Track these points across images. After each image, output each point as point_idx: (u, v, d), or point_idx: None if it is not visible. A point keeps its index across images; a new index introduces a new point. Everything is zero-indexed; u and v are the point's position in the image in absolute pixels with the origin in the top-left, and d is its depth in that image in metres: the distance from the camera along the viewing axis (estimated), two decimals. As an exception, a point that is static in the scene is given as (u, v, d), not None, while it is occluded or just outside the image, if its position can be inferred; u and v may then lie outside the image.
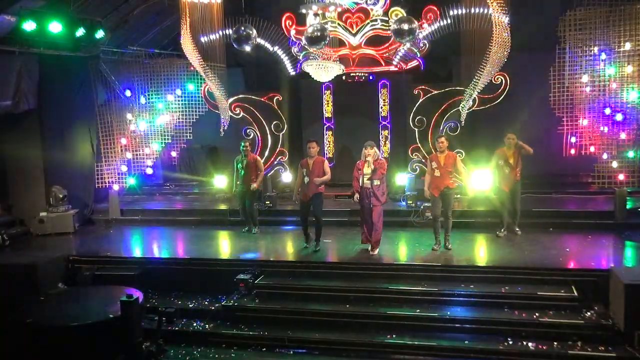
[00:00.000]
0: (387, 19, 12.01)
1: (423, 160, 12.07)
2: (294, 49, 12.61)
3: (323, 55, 11.82)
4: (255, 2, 13.26)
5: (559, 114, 10.73)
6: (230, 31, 10.98)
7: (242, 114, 13.39)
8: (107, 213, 12.86)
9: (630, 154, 10.33)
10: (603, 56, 10.29)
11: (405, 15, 11.35)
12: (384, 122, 13.62)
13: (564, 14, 10.43)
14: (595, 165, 10.60)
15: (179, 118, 13.01)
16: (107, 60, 12.53)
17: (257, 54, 12.60)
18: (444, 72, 13.29)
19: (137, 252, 10.98)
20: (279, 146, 13.44)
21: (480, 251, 9.86)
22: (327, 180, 9.67)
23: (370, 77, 12.73)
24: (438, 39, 11.81)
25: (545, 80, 10.76)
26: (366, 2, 12.17)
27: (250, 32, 10.75)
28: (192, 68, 12.53)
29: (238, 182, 11.15)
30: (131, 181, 12.96)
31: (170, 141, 13.05)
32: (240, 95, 13.50)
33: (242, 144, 11.18)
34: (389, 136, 13.63)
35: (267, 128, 13.39)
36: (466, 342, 7.55)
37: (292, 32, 12.57)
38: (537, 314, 7.66)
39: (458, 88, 11.95)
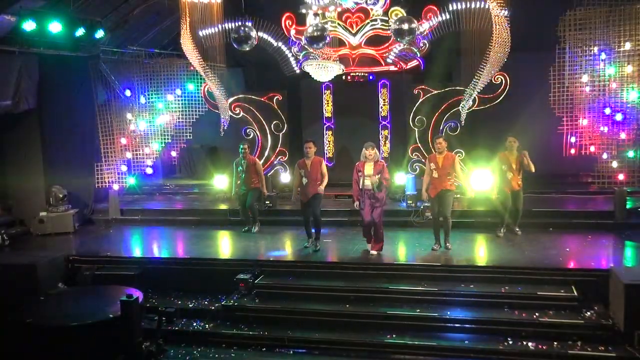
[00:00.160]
0: (387, 18, 12.00)
1: (423, 160, 12.06)
2: (294, 49, 12.62)
3: (323, 55, 11.83)
4: (255, 2, 13.26)
5: (559, 113, 10.73)
6: (231, 25, 10.98)
7: (242, 113, 13.39)
8: (107, 213, 12.85)
9: (630, 153, 10.33)
10: (603, 56, 10.29)
11: (405, 15, 11.36)
12: (384, 122, 13.62)
13: (564, 14, 10.44)
14: (595, 165, 10.61)
15: (179, 118, 13.01)
16: (107, 60, 12.53)
17: (257, 53, 12.60)
18: (444, 72, 13.29)
19: (137, 252, 10.98)
20: (279, 146, 13.45)
21: (480, 251, 9.86)
22: (326, 182, 9.71)
23: (370, 77, 12.73)
24: (438, 39, 11.81)
25: (545, 80, 10.76)
26: (366, 2, 12.16)
27: (250, 32, 10.76)
28: (192, 68, 12.53)
29: (238, 183, 11.15)
30: (131, 181, 12.97)
31: (170, 141, 13.05)
32: (240, 95, 13.51)
33: (241, 146, 11.17)
34: (389, 136, 13.63)
35: (267, 128, 13.39)
36: (466, 342, 7.56)
37: (292, 32, 12.57)
38: (537, 314, 7.66)
39: (458, 88, 11.95)
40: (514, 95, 11.80)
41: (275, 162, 13.43)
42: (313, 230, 9.87)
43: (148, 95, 12.86)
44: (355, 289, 8.57)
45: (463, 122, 11.83)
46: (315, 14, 11.30)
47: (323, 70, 11.32)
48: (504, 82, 11.50)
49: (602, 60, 10.31)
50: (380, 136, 13.56)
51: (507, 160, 10.00)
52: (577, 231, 10.31)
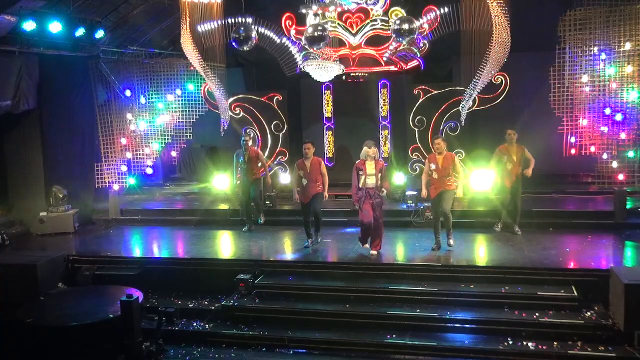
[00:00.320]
0: (387, 18, 12.01)
1: (423, 160, 12.06)
2: (294, 49, 12.62)
3: (323, 55, 11.83)
4: (256, 2, 13.26)
5: (559, 113, 10.74)
6: (232, 21, 11.00)
7: (242, 113, 13.40)
8: (107, 213, 12.84)
9: (630, 153, 10.34)
10: (603, 56, 10.31)
11: (405, 15, 11.36)
12: (383, 122, 13.61)
13: (564, 14, 10.44)
14: (595, 165, 10.61)
15: (179, 118, 13.02)
16: (107, 60, 12.54)
17: (257, 53, 12.61)
18: (444, 72, 13.30)
19: (137, 252, 10.96)
20: (279, 146, 13.45)
21: (480, 251, 9.86)
22: (327, 184, 9.70)
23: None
24: (438, 39, 11.81)
25: (545, 80, 10.77)
26: (366, 2, 12.17)
27: (250, 31, 10.76)
28: (192, 68, 12.54)
29: (239, 175, 11.13)
30: (131, 181, 12.96)
31: (170, 141, 13.05)
32: (240, 95, 13.52)
33: (242, 138, 11.15)
34: (389, 136, 13.63)
35: (267, 128, 13.39)
36: (466, 342, 7.56)
37: (292, 32, 12.57)
38: (537, 314, 7.65)
39: (458, 88, 11.96)
40: (514, 95, 11.81)
41: (275, 162, 13.43)
42: (313, 230, 9.86)
43: (148, 95, 12.87)
44: (355, 289, 8.57)
45: (463, 122, 11.83)
46: (315, 14, 11.30)
47: (323, 70, 11.31)
48: (504, 82, 11.51)
49: (602, 60, 10.33)
50: (380, 136, 13.55)
51: (507, 152, 10.01)
52: (577, 231, 10.30)
